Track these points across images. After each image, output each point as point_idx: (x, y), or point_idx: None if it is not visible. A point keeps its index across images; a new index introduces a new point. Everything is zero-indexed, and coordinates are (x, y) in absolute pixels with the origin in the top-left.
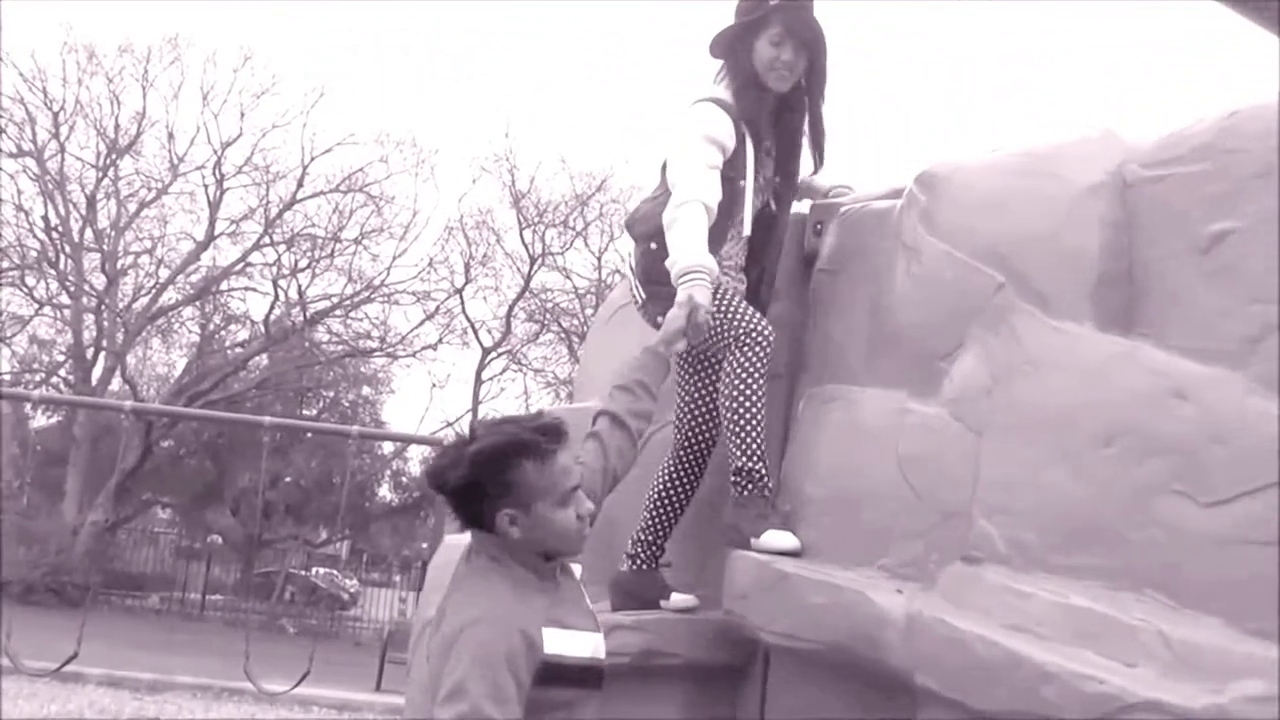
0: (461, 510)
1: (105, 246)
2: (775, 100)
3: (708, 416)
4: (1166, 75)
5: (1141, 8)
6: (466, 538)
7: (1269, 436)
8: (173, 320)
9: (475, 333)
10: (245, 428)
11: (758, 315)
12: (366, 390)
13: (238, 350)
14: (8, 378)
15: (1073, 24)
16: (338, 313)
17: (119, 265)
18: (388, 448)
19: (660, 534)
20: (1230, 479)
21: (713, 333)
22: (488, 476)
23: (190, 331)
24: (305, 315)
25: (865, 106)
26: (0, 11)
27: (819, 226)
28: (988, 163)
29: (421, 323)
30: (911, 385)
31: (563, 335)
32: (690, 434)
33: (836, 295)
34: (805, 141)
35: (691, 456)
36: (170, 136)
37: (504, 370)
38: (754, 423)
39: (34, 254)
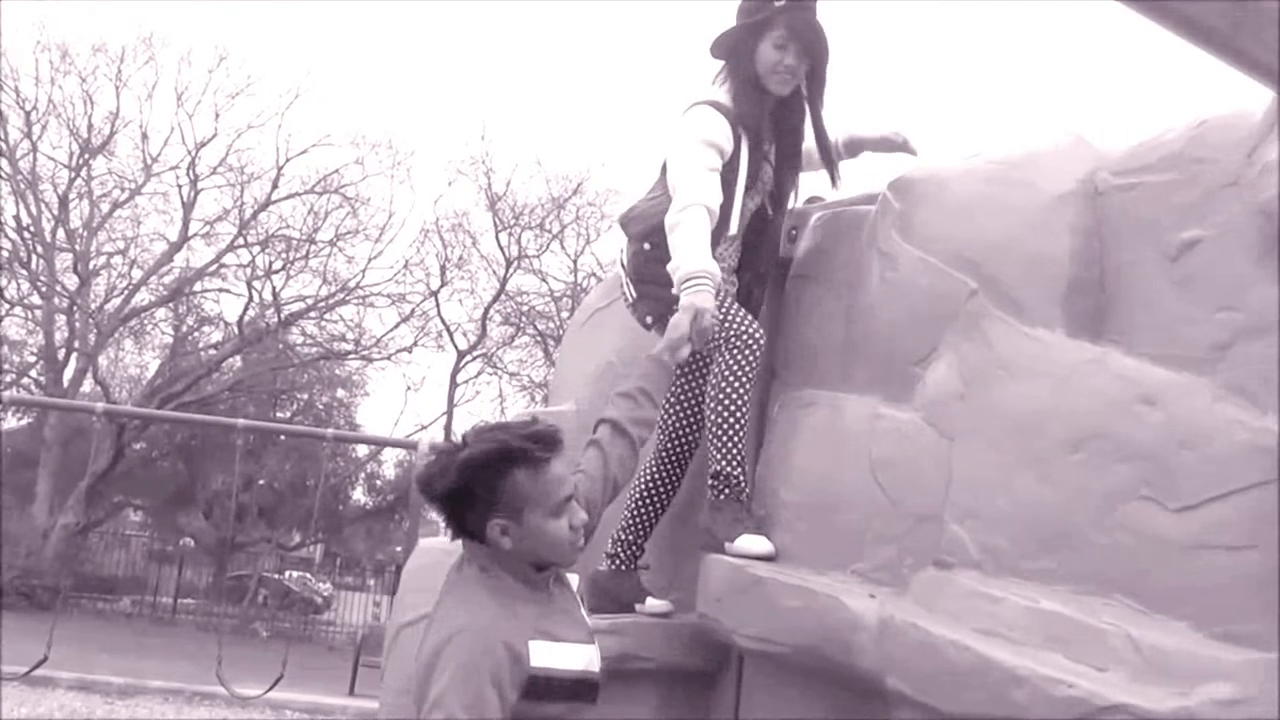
0: (452, 519)
1: (77, 247)
2: (775, 103)
3: (693, 417)
4: (1156, 74)
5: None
6: (441, 541)
7: (1236, 442)
8: (145, 321)
9: (450, 335)
10: (218, 430)
11: (749, 317)
12: (341, 393)
13: (211, 352)
14: None
15: (1070, 24)
16: (312, 315)
17: (91, 266)
18: (362, 451)
19: (640, 534)
20: (1198, 484)
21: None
22: (478, 484)
23: (163, 333)
24: (279, 317)
25: (849, 107)
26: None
27: (794, 231)
28: (961, 169)
29: (397, 325)
30: (885, 390)
31: (538, 338)
32: (674, 434)
33: (811, 300)
34: (806, 150)
35: (674, 457)
36: (144, 136)
37: (479, 373)
38: (738, 427)
39: (5, 254)
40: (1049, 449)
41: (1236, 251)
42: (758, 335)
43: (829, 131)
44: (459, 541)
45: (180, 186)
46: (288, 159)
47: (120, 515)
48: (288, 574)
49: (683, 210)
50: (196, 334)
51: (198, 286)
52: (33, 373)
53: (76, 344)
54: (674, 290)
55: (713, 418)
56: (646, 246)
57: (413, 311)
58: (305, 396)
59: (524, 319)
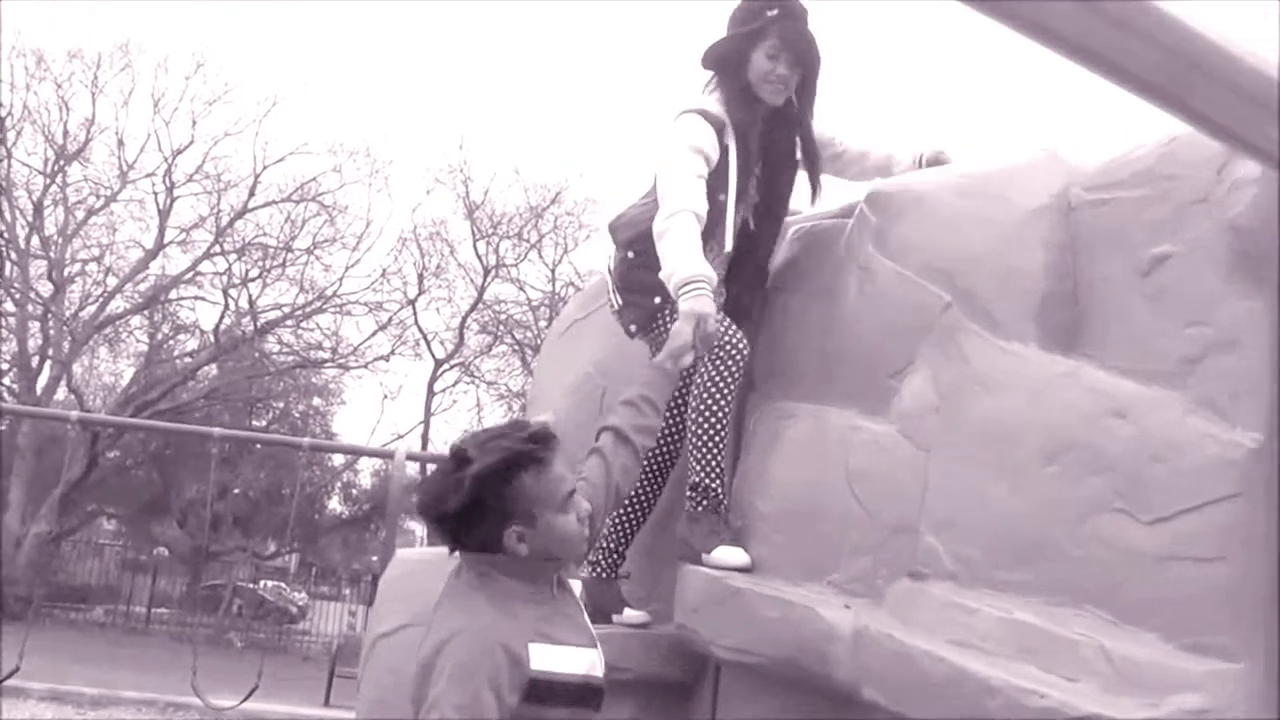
0: (461, 534)
1: (52, 254)
2: (766, 113)
3: (675, 427)
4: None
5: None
6: (418, 551)
7: (1207, 456)
8: (120, 329)
9: (428, 344)
10: (193, 438)
11: (734, 328)
12: (317, 401)
13: (187, 360)
14: None
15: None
16: (289, 323)
17: (66, 273)
18: (338, 460)
19: (622, 542)
20: (1169, 497)
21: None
22: (489, 495)
23: (138, 341)
24: (256, 325)
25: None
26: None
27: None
28: (937, 183)
29: (374, 334)
30: (862, 402)
31: (516, 348)
32: (657, 443)
33: (788, 312)
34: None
35: (656, 466)
36: (120, 143)
37: (456, 382)
38: (718, 439)
39: None
40: (1023, 461)
41: (1206, 267)
42: (742, 346)
43: (817, 152)
44: (441, 551)
45: (156, 193)
46: (265, 166)
47: (94, 524)
48: (263, 583)
49: (670, 217)
50: (172, 342)
51: (173, 294)
52: (6, 380)
53: (50, 351)
54: (671, 295)
55: (694, 429)
56: (630, 255)
57: (390, 320)
58: (281, 405)
59: (502, 328)
